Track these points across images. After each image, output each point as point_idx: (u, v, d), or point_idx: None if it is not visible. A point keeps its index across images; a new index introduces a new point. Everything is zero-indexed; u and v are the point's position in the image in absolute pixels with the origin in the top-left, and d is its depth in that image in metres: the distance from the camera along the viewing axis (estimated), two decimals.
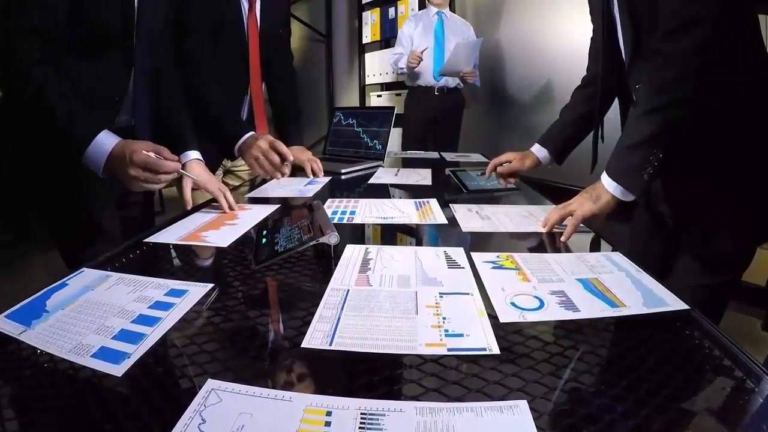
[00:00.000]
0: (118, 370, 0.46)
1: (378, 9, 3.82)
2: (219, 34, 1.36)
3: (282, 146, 1.33)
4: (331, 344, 0.48)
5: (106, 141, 0.87)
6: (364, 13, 3.98)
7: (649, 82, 0.81)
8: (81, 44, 0.92)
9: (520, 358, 0.47)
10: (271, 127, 1.84)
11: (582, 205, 0.86)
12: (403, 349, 0.47)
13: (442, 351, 0.47)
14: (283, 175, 1.37)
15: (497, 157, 1.32)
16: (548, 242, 0.85)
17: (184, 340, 0.52)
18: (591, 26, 1.13)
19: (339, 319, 0.53)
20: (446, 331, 0.50)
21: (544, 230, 0.88)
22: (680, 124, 0.80)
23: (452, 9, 3.14)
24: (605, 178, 0.86)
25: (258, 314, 0.60)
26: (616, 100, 1.08)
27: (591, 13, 1.11)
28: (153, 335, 0.52)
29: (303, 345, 0.48)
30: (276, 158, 1.32)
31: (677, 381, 0.45)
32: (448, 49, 2.67)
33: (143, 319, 0.56)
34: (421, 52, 2.65)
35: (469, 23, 2.94)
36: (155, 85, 1.12)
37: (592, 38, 1.18)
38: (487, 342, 0.48)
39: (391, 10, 3.66)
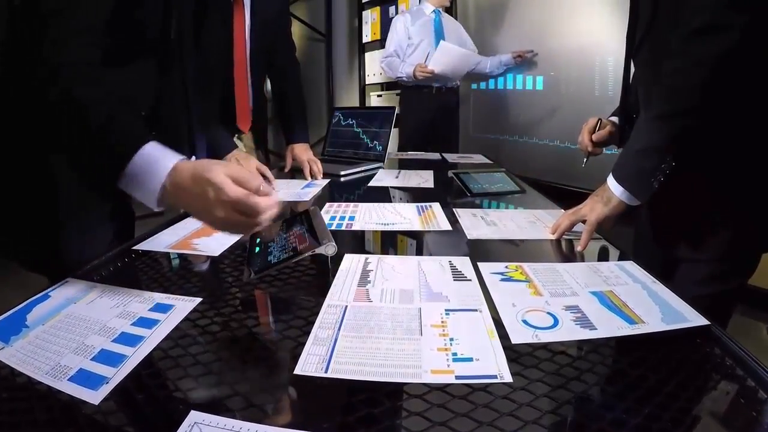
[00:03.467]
0: (95, 396, 0.43)
1: (378, 8, 3.77)
2: (200, 30, 1.30)
3: (267, 172, 1.28)
4: (326, 371, 0.43)
5: (161, 157, 0.60)
6: (364, 12, 3.93)
7: (666, 85, 0.77)
8: (114, 50, 0.73)
9: (534, 384, 0.43)
10: (272, 126, 1.79)
11: (593, 209, 0.82)
12: (407, 377, 0.43)
13: (450, 379, 0.42)
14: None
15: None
16: (558, 250, 0.81)
17: (166, 363, 0.48)
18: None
19: (335, 341, 0.48)
20: (454, 354, 0.46)
21: (553, 237, 0.84)
22: (696, 131, 0.76)
23: (453, 8, 3.09)
24: (612, 182, 0.82)
25: (247, 334, 0.56)
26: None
27: None
28: (134, 357, 0.48)
29: (296, 372, 0.44)
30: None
31: (702, 406, 0.42)
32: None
33: (125, 338, 0.52)
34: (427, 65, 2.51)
35: (466, 24, 2.89)
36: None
37: None
38: (498, 368, 0.44)
39: (392, 9, 3.61)
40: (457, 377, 0.43)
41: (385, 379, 0.43)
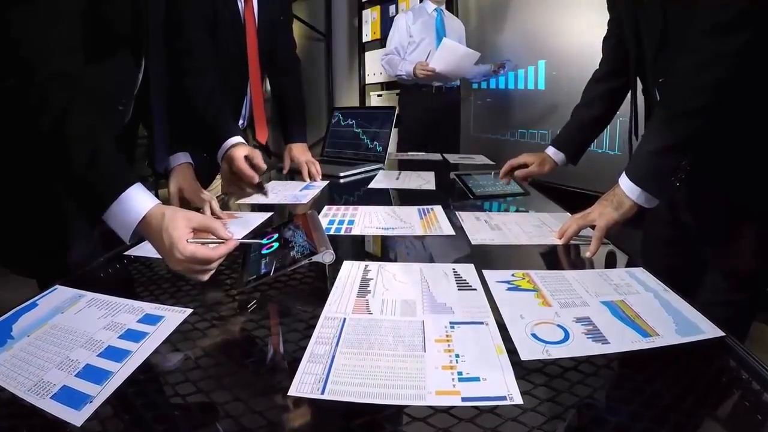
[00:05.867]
0: (77, 417, 0.40)
1: (378, 7, 3.74)
2: (215, 31, 1.27)
3: (258, 159, 1.07)
4: (323, 392, 0.41)
5: (136, 206, 0.64)
6: (364, 11, 3.90)
7: (684, 82, 0.74)
8: (88, 47, 0.75)
9: (545, 404, 0.41)
10: (270, 126, 1.77)
11: (603, 213, 0.79)
12: (410, 399, 0.40)
13: (456, 400, 0.39)
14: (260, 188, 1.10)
15: (513, 159, 1.24)
16: (566, 257, 0.78)
17: (153, 381, 0.45)
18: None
19: (333, 358, 0.46)
20: (459, 373, 0.43)
21: (560, 242, 0.81)
22: (712, 130, 0.73)
23: (454, 7, 3.06)
24: (626, 184, 0.79)
25: (240, 349, 0.53)
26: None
27: (610, 7, 1.04)
28: (120, 373, 0.46)
29: (290, 393, 0.41)
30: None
31: (720, 424, 0.41)
32: None
33: (111, 353, 0.49)
34: (428, 64, 2.44)
35: (467, 23, 2.85)
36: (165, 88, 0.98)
37: (608, 32, 1.12)
38: (507, 388, 0.41)
39: (392, 8, 3.57)
40: (463, 399, 0.40)
41: (386, 401, 0.40)
